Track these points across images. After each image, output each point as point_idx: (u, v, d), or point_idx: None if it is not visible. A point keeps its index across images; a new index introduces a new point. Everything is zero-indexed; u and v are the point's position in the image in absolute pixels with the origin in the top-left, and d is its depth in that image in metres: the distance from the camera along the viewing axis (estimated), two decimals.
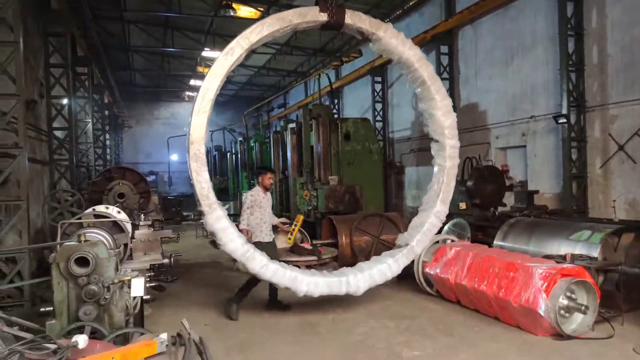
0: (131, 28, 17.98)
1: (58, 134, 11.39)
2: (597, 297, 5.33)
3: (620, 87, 8.99)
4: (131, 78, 26.57)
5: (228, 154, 23.28)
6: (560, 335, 5.20)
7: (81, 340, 2.56)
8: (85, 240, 3.44)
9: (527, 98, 11.17)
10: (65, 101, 11.49)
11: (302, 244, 9.79)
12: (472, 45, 13.11)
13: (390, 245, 9.70)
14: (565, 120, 9.53)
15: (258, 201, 6.78)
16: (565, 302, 5.24)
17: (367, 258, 9.25)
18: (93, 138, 15.70)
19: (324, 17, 5.91)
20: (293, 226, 7.91)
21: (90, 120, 14.96)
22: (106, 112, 21.44)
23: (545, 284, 5.20)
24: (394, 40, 6.25)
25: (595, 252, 6.07)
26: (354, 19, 6.12)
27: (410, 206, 16.57)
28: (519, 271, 5.58)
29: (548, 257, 6.15)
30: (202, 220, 5.64)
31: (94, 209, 4.85)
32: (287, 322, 6.27)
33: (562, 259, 5.93)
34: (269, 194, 7.04)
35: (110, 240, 3.91)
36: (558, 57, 9.84)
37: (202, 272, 10.10)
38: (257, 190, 6.89)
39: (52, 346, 2.53)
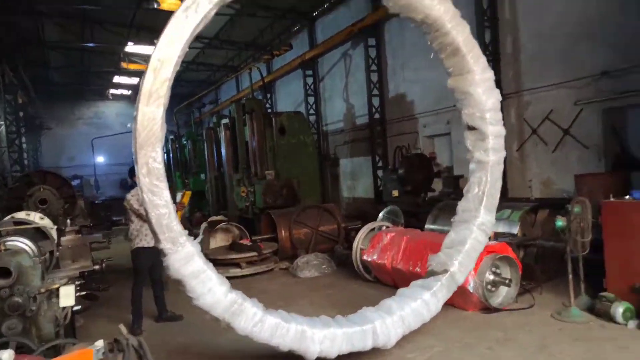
0: (46, 22, 16.79)
1: None
2: (519, 271, 5.77)
3: (532, 74, 9.67)
4: (49, 76, 24.82)
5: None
6: (488, 309, 5.58)
7: (5, 356, 2.42)
8: (6, 250, 3.23)
9: None
10: None
11: (241, 241, 9.77)
12: (399, 37, 13.53)
13: (329, 236, 9.95)
14: None
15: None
16: (491, 277, 5.63)
17: (307, 250, 9.43)
18: (7, 142, 14.56)
19: None
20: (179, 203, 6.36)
21: (2, 122, 13.84)
22: (21, 114, 19.92)
23: None
24: None
25: (515, 229, 6.55)
26: None
27: (346, 197, 16.91)
28: None
29: None
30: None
31: (12, 217, 4.54)
32: None
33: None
34: None
35: (33, 247, 3.68)
36: None
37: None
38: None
39: None
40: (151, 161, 3.74)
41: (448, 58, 5.01)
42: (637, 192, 5.12)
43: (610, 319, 4.91)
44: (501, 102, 9.99)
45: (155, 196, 3.76)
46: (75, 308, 4.97)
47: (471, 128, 5.11)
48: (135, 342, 2.74)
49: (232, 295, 4.00)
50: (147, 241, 5.72)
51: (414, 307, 4.55)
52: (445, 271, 4.85)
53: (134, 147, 3.77)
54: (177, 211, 5.36)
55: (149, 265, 6.01)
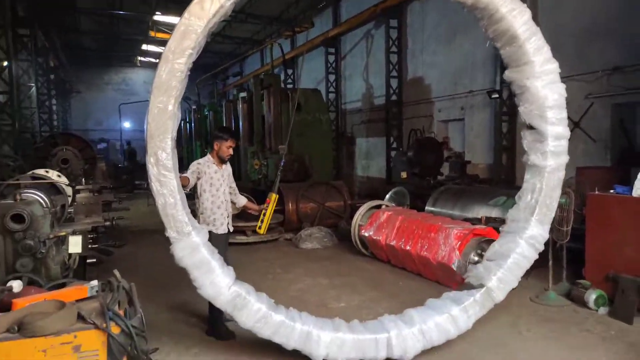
0: None
1: None
2: None
3: None
4: (79, 41, 25.50)
5: (182, 122, 23.06)
6: None
7: (16, 284, 2.84)
8: (21, 199, 3.66)
9: (467, 74, 11.76)
10: (5, 63, 11.14)
11: (249, 210, 10.18)
12: (420, 20, 13.52)
13: (335, 212, 10.29)
14: (497, 96, 10.18)
15: (208, 175, 4.77)
16: (476, 258, 5.86)
17: (312, 224, 9.80)
18: (38, 103, 15.23)
19: None
20: (264, 208, 5.25)
21: (33, 84, 14.48)
22: (52, 77, 20.68)
23: (459, 242, 5.81)
24: None
25: None
26: None
27: (360, 175, 17.18)
28: (438, 232, 6.18)
29: (467, 220, 6.79)
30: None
31: (32, 172, 4.99)
32: None
33: (477, 221, 6.57)
34: (225, 167, 4.97)
35: (46, 200, 4.11)
36: None
37: (151, 238, 10.26)
38: (207, 160, 4.86)
39: None
40: (160, 152, 3.76)
41: (504, 47, 4.45)
42: (620, 187, 5.25)
43: (584, 304, 5.13)
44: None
45: (163, 186, 3.77)
46: (90, 261, 5.48)
47: (529, 127, 4.50)
48: (126, 285, 3.13)
49: (236, 288, 3.88)
50: (213, 226, 4.78)
51: (438, 321, 4.08)
52: (482, 286, 4.34)
53: (145, 136, 3.80)
54: (261, 217, 5.19)
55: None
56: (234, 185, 5.12)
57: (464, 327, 4.19)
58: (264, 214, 5.22)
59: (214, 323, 4.69)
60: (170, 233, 3.83)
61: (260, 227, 5.28)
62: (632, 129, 8.40)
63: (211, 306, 4.41)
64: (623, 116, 8.36)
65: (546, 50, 4.38)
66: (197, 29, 3.78)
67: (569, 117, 8.95)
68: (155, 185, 3.79)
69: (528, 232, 4.39)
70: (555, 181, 4.47)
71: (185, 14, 3.79)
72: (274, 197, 5.25)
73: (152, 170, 3.78)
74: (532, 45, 4.29)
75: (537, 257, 4.46)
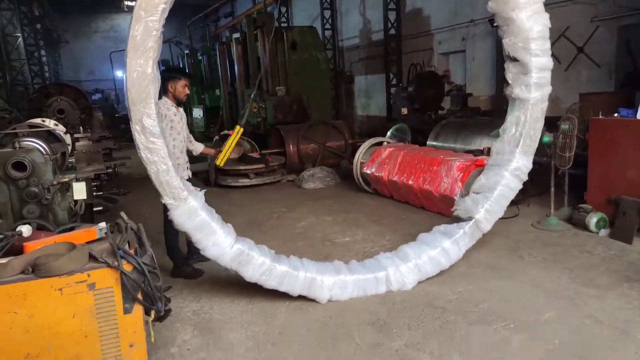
0: None
1: None
2: None
3: None
4: None
5: None
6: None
7: (25, 229, 2.88)
8: (20, 147, 3.64)
9: (467, 2, 11.30)
10: None
11: (251, 154, 10.18)
12: None
13: (336, 152, 10.27)
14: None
15: (168, 118, 4.55)
16: None
17: (314, 164, 9.82)
18: (26, 54, 14.83)
19: None
20: (230, 139, 5.22)
21: (20, 34, 14.02)
22: (38, 26, 19.97)
23: (461, 174, 5.84)
24: None
25: None
26: None
27: (360, 114, 16.99)
28: (440, 165, 6.18)
29: (469, 152, 6.78)
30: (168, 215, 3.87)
31: (29, 122, 4.94)
32: (233, 222, 6.69)
33: (480, 152, 6.56)
34: (181, 110, 4.83)
35: (46, 147, 4.09)
36: None
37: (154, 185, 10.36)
38: (164, 102, 4.59)
39: None
40: (145, 118, 3.63)
41: None
42: (625, 110, 5.18)
43: (585, 228, 5.22)
44: None
45: (152, 153, 3.69)
46: (96, 209, 5.53)
47: (513, 59, 4.46)
48: (134, 226, 3.17)
49: (239, 245, 3.94)
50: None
51: (432, 255, 4.29)
52: (470, 218, 4.50)
53: (127, 102, 3.68)
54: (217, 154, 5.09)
55: None
56: (187, 131, 4.89)
57: (456, 257, 4.40)
58: (225, 146, 5.13)
59: (178, 263, 4.82)
60: (167, 200, 3.80)
61: (218, 159, 5.13)
62: (639, 51, 8.17)
63: (169, 249, 4.76)
64: (629, 38, 8.11)
65: None
66: None
67: (572, 42, 8.83)
68: (144, 154, 3.70)
69: (513, 164, 4.51)
70: (538, 113, 4.53)
71: None
72: (237, 128, 5.29)
73: (140, 139, 3.67)
74: None
75: (521, 187, 4.65)
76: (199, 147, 5.12)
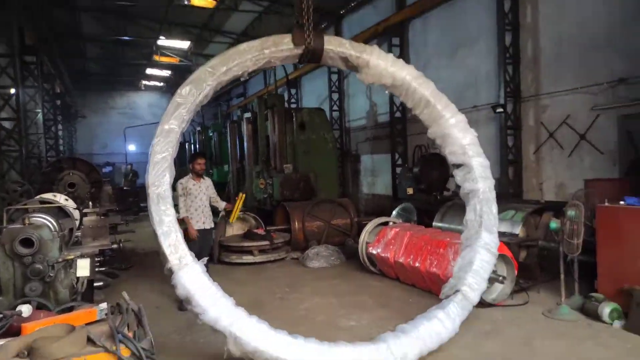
0: (83, 16, 17.62)
1: (6, 124, 11.21)
2: (514, 269, 5.92)
3: (551, 78, 9.69)
4: (84, 66, 25.91)
5: (187, 144, 23.21)
6: (482, 304, 5.75)
7: (25, 308, 2.82)
8: (30, 224, 3.67)
9: (471, 88, 11.80)
10: (12, 91, 11.29)
11: (256, 230, 10.16)
12: (422, 37, 13.64)
13: (341, 230, 10.25)
14: (502, 110, 10.19)
15: (188, 189, 6.66)
16: None
17: (319, 242, 9.76)
18: (44, 128, 15.39)
19: (299, 49, 4.97)
20: (237, 203, 7.88)
21: (40, 110, 14.65)
22: (57, 102, 20.93)
23: None
24: (382, 62, 5.21)
25: (518, 229, 6.69)
26: (334, 43, 5.13)
27: (366, 193, 17.14)
28: (447, 248, 6.12)
29: None
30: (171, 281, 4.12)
31: (40, 197, 5.01)
32: (235, 301, 6.58)
33: None
34: (204, 180, 6.90)
35: (54, 223, 4.11)
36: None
37: (157, 259, 10.21)
38: (187, 178, 6.76)
39: None
40: (161, 192, 4.25)
41: (422, 111, 5.48)
42: (630, 198, 5.20)
43: (598, 318, 5.05)
44: (520, 105, 10.32)
45: (166, 215, 4.20)
46: (97, 284, 5.46)
47: (457, 166, 5.49)
48: (135, 307, 3.10)
49: (238, 311, 4.13)
50: (198, 224, 6.66)
51: (429, 326, 4.50)
52: (457, 291, 4.91)
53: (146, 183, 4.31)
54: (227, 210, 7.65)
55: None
56: (215, 194, 7.10)
57: (452, 327, 4.60)
58: (236, 207, 7.85)
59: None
60: (173, 261, 4.06)
61: (231, 217, 8.28)
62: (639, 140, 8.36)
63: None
64: (630, 128, 8.33)
65: (452, 108, 5.47)
66: (186, 104, 4.49)
67: (574, 130, 9.08)
68: (155, 216, 4.19)
69: (481, 240, 5.11)
70: (489, 197, 5.29)
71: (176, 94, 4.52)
72: (240, 195, 8.20)
73: (155, 208, 4.20)
74: (442, 105, 5.38)
75: (495, 260, 5.17)
76: (221, 204, 7.32)
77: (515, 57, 10.29)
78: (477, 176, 5.28)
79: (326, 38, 5.07)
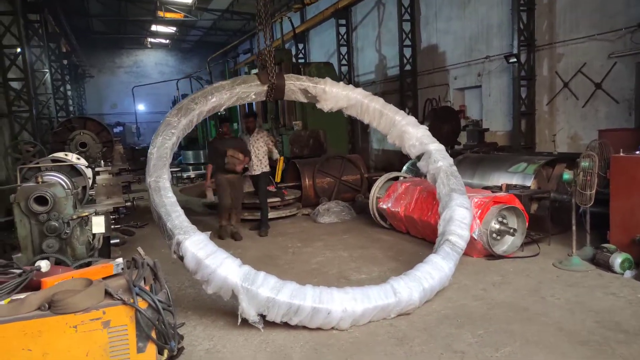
0: None
1: (15, 85, 11.18)
2: (525, 222, 5.92)
3: (566, 25, 9.33)
4: (89, 25, 25.46)
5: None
6: (492, 256, 5.82)
7: (44, 264, 2.90)
8: (43, 182, 3.71)
9: (482, 39, 11.44)
10: (18, 50, 11.18)
11: (267, 187, 10.22)
12: None
13: (351, 186, 10.26)
14: (515, 60, 9.90)
15: (246, 140, 8.16)
16: (497, 226, 5.82)
17: (330, 198, 9.81)
18: (53, 89, 15.34)
19: (265, 86, 6.02)
20: (278, 166, 9.48)
21: (47, 70, 14.55)
22: (65, 62, 20.76)
23: (479, 211, 5.75)
24: (335, 89, 6.27)
25: (530, 182, 6.63)
26: (292, 79, 6.25)
27: (376, 149, 17.04)
28: None
29: (487, 188, 6.70)
30: (173, 252, 4.36)
31: (52, 156, 5.05)
32: (249, 256, 6.71)
33: (498, 189, 6.48)
34: (255, 134, 8.22)
35: (67, 181, 4.16)
36: None
37: None
38: (241, 133, 8.81)
39: (18, 271, 2.86)
40: (159, 181, 4.94)
41: (379, 122, 6.43)
42: None
43: (609, 268, 5.06)
44: (533, 55, 10.00)
45: (166, 199, 4.74)
46: (113, 241, 5.57)
47: (419, 157, 6.28)
48: (150, 262, 3.17)
49: (247, 267, 4.27)
50: (250, 171, 8.18)
51: (426, 267, 4.77)
52: (447, 240, 5.20)
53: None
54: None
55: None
56: (270, 145, 8.36)
57: (447, 267, 4.81)
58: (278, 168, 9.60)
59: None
60: (179, 236, 4.30)
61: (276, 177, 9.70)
62: None
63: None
64: None
65: (402, 112, 6.47)
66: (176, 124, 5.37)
67: (589, 79, 8.82)
68: (162, 200, 4.75)
69: (454, 201, 5.50)
70: (452, 170, 5.97)
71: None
72: (281, 158, 9.61)
73: (156, 197, 4.79)
74: (392, 112, 6.37)
75: (471, 215, 5.46)
76: (275, 156, 8.71)
77: (530, 3, 9.89)
78: (437, 158, 6.03)
79: (286, 76, 6.25)
